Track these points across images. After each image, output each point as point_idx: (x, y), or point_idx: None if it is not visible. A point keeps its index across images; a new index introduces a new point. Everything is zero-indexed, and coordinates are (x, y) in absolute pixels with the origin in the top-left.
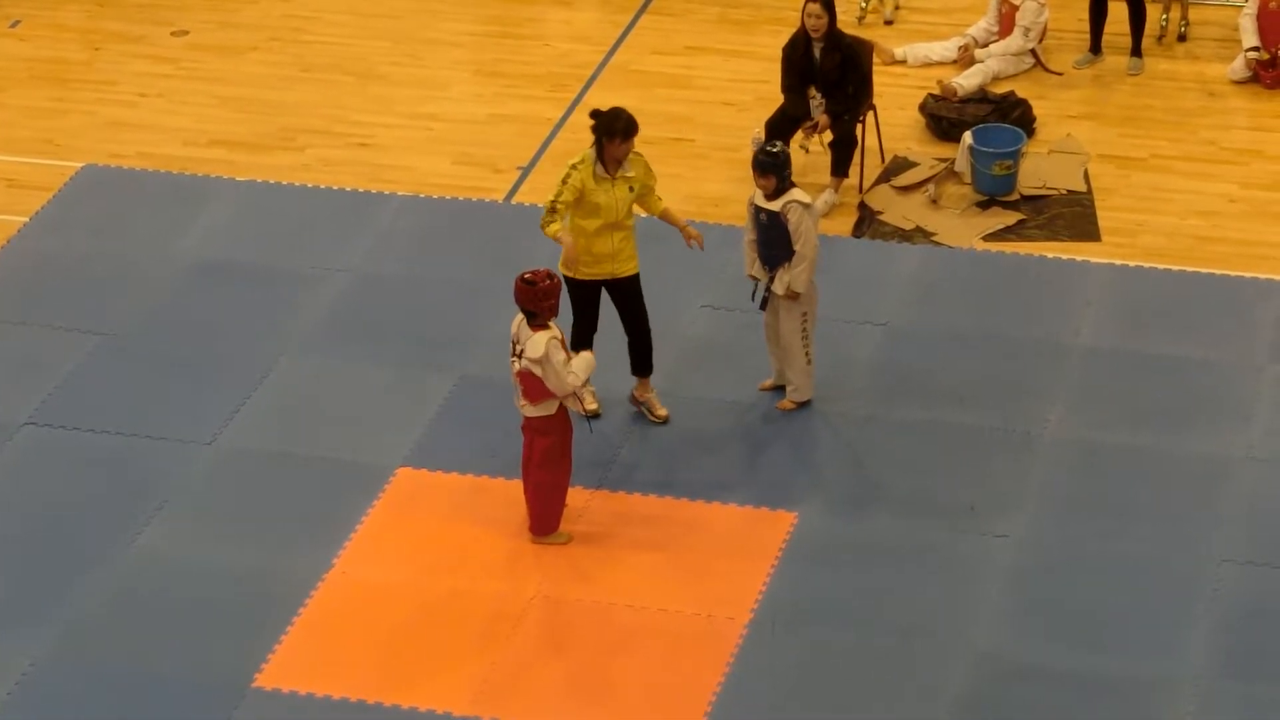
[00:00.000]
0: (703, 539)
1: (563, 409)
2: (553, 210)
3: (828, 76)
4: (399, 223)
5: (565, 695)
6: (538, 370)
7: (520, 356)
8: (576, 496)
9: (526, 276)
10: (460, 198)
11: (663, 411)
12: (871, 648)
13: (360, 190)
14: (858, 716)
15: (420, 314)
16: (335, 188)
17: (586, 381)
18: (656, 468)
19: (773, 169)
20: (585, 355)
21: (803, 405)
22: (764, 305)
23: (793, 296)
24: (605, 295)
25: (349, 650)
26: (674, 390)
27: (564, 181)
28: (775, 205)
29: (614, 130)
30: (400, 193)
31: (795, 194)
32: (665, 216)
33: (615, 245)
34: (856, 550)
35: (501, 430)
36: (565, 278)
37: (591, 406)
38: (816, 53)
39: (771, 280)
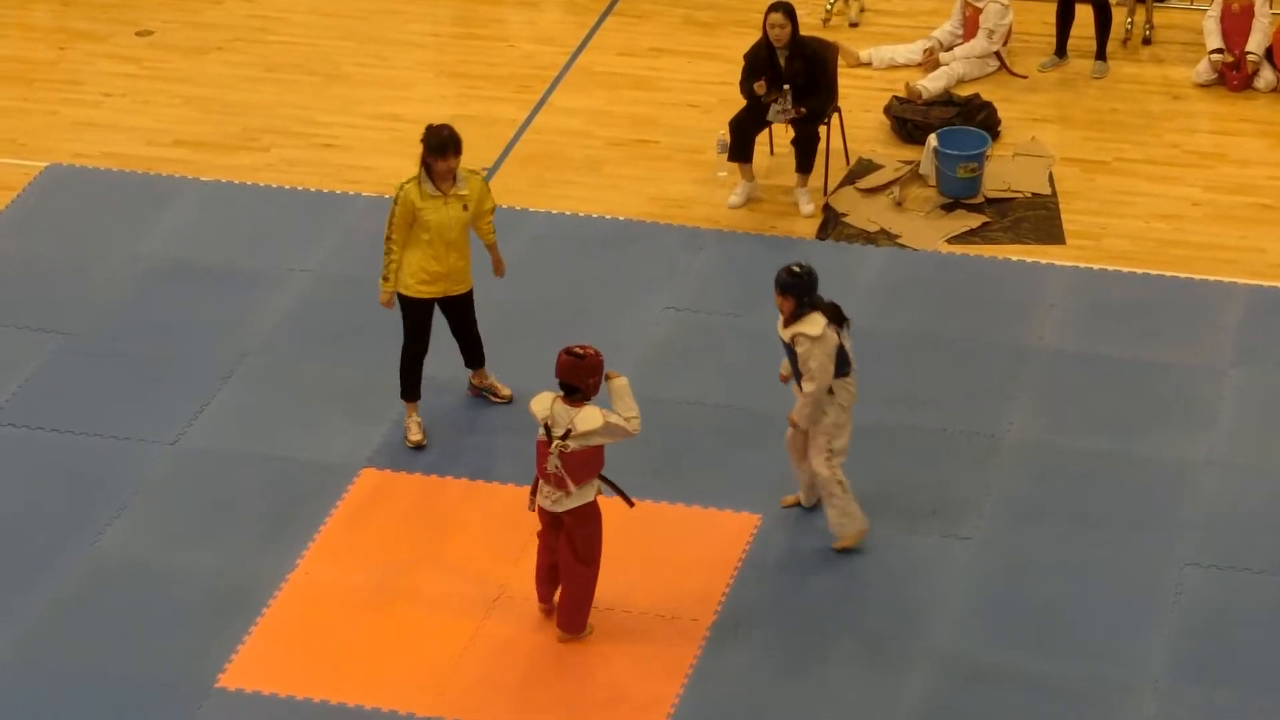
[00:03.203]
0: (665, 541)
1: (598, 495)
2: (389, 244)
3: (795, 80)
4: (363, 223)
5: (528, 696)
6: (598, 440)
7: (566, 438)
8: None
9: (575, 350)
10: None
11: (506, 391)
12: (833, 650)
13: (324, 191)
14: (819, 719)
15: (383, 315)
16: (299, 188)
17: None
18: (619, 470)
19: (791, 290)
20: (620, 383)
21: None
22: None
23: (791, 422)
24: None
25: (312, 651)
26: (637, 392)
27: (393, 203)
28: (786, 334)
29: (431, 147)
30: (364, 193)
31: (804, 325)
32: (490, 249)
33: (450, 264)
34: (819, 553)
35: (464, 432)
36: (400, 296)
37: (416, 438)
38: (781, 60)
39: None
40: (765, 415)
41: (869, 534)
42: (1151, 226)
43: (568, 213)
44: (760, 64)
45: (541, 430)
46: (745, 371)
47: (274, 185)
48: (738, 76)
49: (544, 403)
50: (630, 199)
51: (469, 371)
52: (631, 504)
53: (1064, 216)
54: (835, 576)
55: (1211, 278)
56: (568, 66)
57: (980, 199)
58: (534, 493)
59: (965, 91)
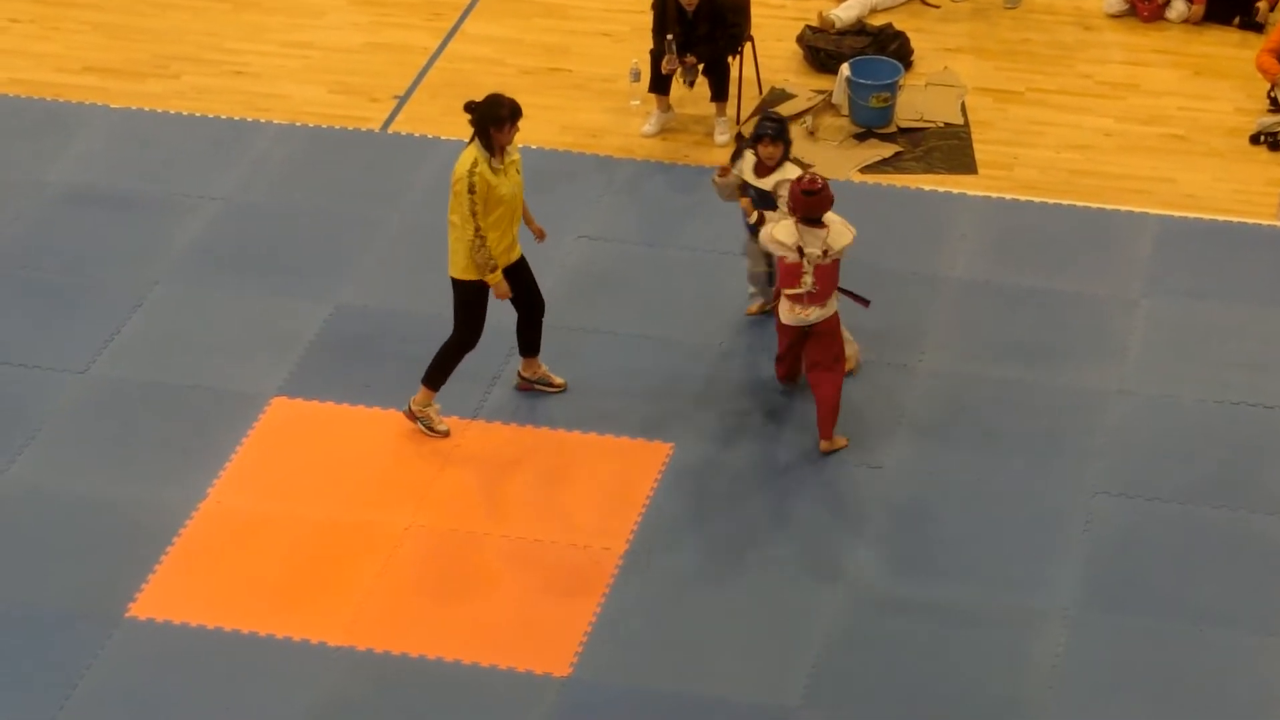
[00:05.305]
0: (579, 469)
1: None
2: (480, 237)
3: (696, 31)
4: (274, 151)
5: (439, 626)
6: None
7: (825, 254)
8: (451, 426)
9: (808, 187)
10: (336, 126)
11: (560, 380)
12: (744, 578)
13: (235, 118)
14: (729, 647)
15: (295, 243)
16: (209, 116)
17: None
18: (532, 398)
19: (783, 136)
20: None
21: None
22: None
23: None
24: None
25: (223, 580)
26: (550, 321)
27: (471, 193)
28: (766, 183)
29: (500, 118)
30: (275, 121)
31: (786, 173)
32: (525, 210)
33: (514, 234)
34: (731, 481)
35: (375, 360)
36: (464, 283)
37: (444, 427)
38: (690, 16)
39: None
40: (677, 344)
41: (782, 462)
42: (1063, 157)
43: None
44: (668, 17)
45: (793, 254)
46: (658, 300)
47: (184, 113)
48: (650, 3)
49: (788, 229)
50: (543, 128)
51: (521, 362)
52: (867, 304)
53: (976, 146)
54: (746, 504)
55: (1123, 208)
56: None
57: (893, 128)
58: (776, 310)
59: (878, 21)
